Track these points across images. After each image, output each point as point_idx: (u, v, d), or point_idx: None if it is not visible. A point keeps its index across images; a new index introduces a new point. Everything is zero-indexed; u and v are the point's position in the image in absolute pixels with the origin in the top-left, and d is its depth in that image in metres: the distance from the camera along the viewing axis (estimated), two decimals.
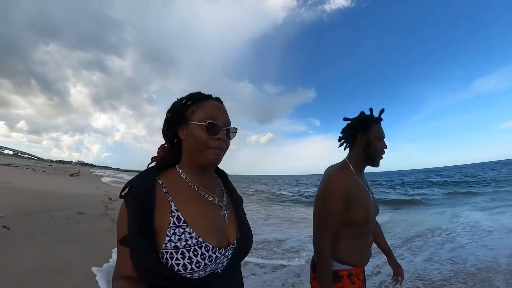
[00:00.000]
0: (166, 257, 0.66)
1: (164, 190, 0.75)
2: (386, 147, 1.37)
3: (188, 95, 0.84)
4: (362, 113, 1.44)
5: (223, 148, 0.80)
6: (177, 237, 0.67)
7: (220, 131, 0.78)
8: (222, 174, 0.98)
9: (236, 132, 0.87)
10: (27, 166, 28.71)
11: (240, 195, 1.01)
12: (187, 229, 0.69)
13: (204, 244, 0.69)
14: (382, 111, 1.44)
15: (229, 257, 0.77)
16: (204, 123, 0.77)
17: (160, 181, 0.76)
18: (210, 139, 0.77)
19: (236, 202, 0.91)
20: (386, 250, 1.64)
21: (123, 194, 0.73)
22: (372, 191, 1.51)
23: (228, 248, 0.76)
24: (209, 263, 0.69)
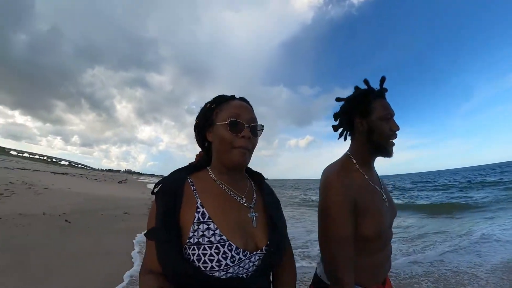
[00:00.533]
0: (189, 253, 0.66)
1: (193, 187, 0.76)
2: (397, 128, 1.01)
3: (212, 98, 0.85)
4: (356, 88, 1.10)
5: (249, 147, 0.78)
6: (201, 233, 0.67)
7: (244, 129, 0.77)
8: (256, 176, 0.94)
9: (263, 129, 0.85)
10: (81, 174, 31.99)
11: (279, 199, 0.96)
12: (211, 226, 0.68)
13: (227, 243, 0.67)
14: (382, 79, 1.07)
15: (255, 263, 0.73)
16: (226, 122, 0.76)
17: (189, 180, 0.78)
18: (235, 137, 0.76)
19: (270, 206, 0.85)
20: None
21: (154, 190, 0.74)
22: (386, 187, 1.17)
23: (255, 253, 0.72)
24: (231, 264, 0.66)
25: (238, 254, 0.67)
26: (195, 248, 0.65)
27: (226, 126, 0.76)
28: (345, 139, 1.15)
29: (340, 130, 1.15)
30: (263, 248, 0.75)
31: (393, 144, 1.03)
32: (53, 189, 10.95)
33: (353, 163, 1.04)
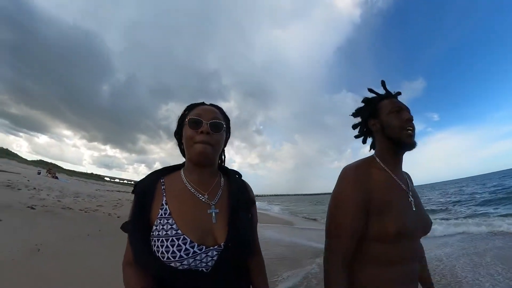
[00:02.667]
0: (152, 244, 0.73)
1: (163, 187, 0.84)
2: (409, 118, 0.98)
3: (185, 107, 0.95)
4: (364, 99, 1.13)
5: (210, 141, 0.83)
6: (161, 227, 0.74)
7: (203, 124, 0.83)
8: (231, 175, 0.97)
9: (223, 125, 0.90)
10: None
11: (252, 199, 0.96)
12: (169, 221, 0.75)
13: (182, 236, 0.72)
14: (382, 83, 1.11)
15: (213, 258, 0.75)
16: (187, 120, 0.86)
17: (162, 180, 0.86)
18: (195, 133, 0.83)
19: (237, 204, 0.87)
20: (423, 279, 1.13)
21: (132, 190, 0.84)
22: (419, 196, 1.06)
23: (212, 248, 0.76)
24: (185, 256, 0.71)
25: (192, 247, 0.72)
26: (156, 240, 0.72)
27: (187, 124, 0.85)
28: (370, 148, 1.14)
29: (361, 138, 1.17)
30: (221, 244, 0.77)
31: (409, 134, 0.96)
32: None
33: (376, 162, 1.02)
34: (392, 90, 1.11)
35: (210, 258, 0.75)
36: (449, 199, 21.31)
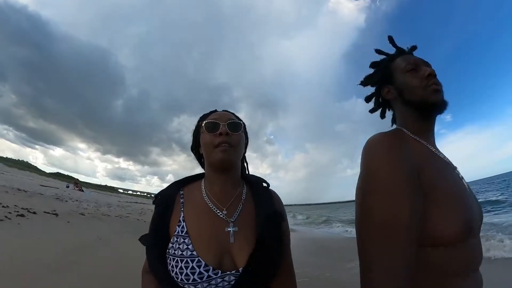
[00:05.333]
0: (168, 262, 0.69)
1: (182, 199, 0.80)
2: (431, 72, 0.74)
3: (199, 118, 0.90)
4: (372, 63, 0.92)
5: (230, 142, 0.77)
6: (177, 246, 0.69)
7: (220, 126, 0.78)
8: (254, 184, 0.87)
9: (242, 123, 0.85)
10: None
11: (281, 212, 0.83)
12: (186, 240, 0.70)
13: (197, 258, 0.67)
14: (390, 39, 0.90)
15: (230, 282, 0.68)
16: (204, 126, 0.81)
17: (181, 192, 0.82)
18: (213, 137, 0.78)
19: (261, 219, 0.76)
20: None
21: (153, 202, 0.83)
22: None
23: (229, 273, 0.68)
24: (199, 280, 0.65)
25: (207, 271, 0.66)
26: (171, 259, 0.68)
27: (204, 130, 0.80)
28: (392, 123, 0.92)
29: (378, 111, 0.95)
30: (240, 268, 0.68)
31: (435, 90, 0.73)
32: None
33: (405, 133, 0.75)
34: None
35: (227, 283, 0.67)
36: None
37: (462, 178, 0.72)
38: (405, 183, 0.57)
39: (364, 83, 0.92)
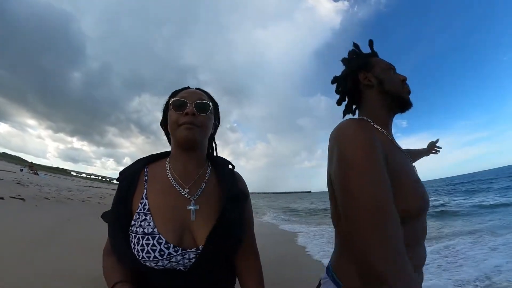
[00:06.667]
0: (130, 240, 0.69)
1: (146, 177, 0.78)
2: (406, 78, 0.85)
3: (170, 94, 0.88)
4: (352, 50, 0.96)
5: (195, 122, 0.77)
6: (139, 223, 0.69)
7: (188, 105, 0.78)
8: (220, 165, 0.88)
9: (210, 106, 0.82)
10: None
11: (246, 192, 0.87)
12: (147, 217, 0.70)
13: (158, 236, 0.67)
14: (370, 42, 0.96)
15: (191, 260, 0.70)
16: (171, 103, 0.80)
17: (146, 169, 0.81)
18: (180, 115, 0.77)
19: (224, 198, 0.78)
20: (418, 153, 1.32)
21: (117, 179, 0.80)
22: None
23: (189, 250, 0.69)
24: (160, 257, 0.66)
25: (167, 248, 0.67)
26: (133, 236, 0.68)
27: (171, 107, 0.79)
28: (353, 113, 0.95)
29: (344, 103, 0.96)
30: (200, 246, 0.70)
31: (408, 91, 0.85)
32: None
33: (369, 123, 0.81)
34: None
35: (187, 260, 0.69)
36: None
37: (414, 166, 0.87)
38: (382, 167, 0.61)
39: (345, 62, 0.96)
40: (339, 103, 0.97)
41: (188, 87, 0.89)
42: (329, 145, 0.74)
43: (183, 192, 0.77)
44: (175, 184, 0.78)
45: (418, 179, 0.76)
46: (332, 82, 0.98)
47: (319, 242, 6.60)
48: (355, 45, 0.97)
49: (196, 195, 0.78)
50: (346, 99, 0.96)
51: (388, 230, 0.54)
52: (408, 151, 1.21)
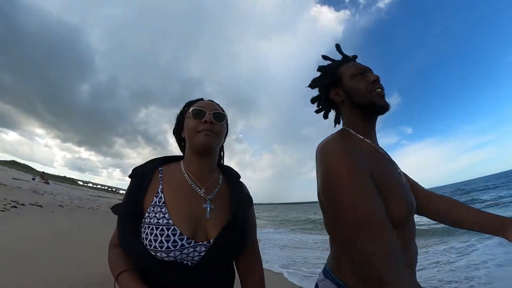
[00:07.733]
0: (142, 231, 0.72)
1: (160, 175, 0.84)
2: (376, 78, 0.84)
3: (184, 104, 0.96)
4: (320, 67, 0.98)
5: (213, 130, 0.84)
6: (153, 215, 0.73)
7: (206, 114, 0.85)
8: (230, 174, 0.97)
9: (225, 115, 0.91)
10: None
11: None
12: (163, 209, 0.74)
13: (172, 227, 0.71)
14: (337, 46, 0.98)
15: (201, 253, 0.74)
16: (190, 112, 0.87)
17: (160, 169, 0.87)
18: (198, 123, 0.84)
19: (235, 203, 0.86)
20: (488, 220, 0.83)
21: (129, 175, 0.84)
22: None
23: (201, 243, 0.74)
24: (172, 248, 0.70)
25: (181, 240, 0.71)
26: (146, 227, 0.72)
27: (190, 116, 0.86)
28: (338, 123, 1.01)
29: (331, 117, 1.01)
30: (211, 240, 0.76)
31: (379, 94, 0.83)
32: None
33: (352, 133, 0.85)
34: None
35: (198, 254, 0.74)
36: None
37: (400, 170, 0.89)
38: (366, 178, 0.65)
39: (313, 85, 0.99)
40: (325, 117, 1.02)
41: (202, 99, 0.96)
42: (316, 161, 0.77)
43: (199, 191, 0.83)
44: (191, 183, 0.84)
45: (403, 184, 0.79)
46: (312, 102, 1.03)
47: None
48: (323, 56, 0.99)
49: (212, 195, 0.84)
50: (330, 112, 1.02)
51: (382, 239, 0.57)
52: (478, 214, 0.87)
